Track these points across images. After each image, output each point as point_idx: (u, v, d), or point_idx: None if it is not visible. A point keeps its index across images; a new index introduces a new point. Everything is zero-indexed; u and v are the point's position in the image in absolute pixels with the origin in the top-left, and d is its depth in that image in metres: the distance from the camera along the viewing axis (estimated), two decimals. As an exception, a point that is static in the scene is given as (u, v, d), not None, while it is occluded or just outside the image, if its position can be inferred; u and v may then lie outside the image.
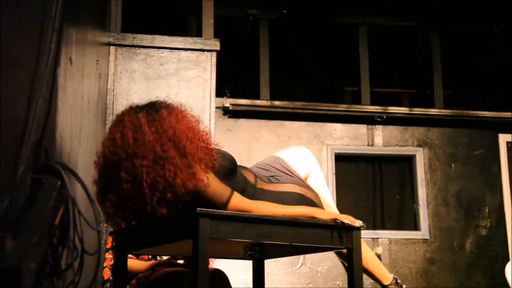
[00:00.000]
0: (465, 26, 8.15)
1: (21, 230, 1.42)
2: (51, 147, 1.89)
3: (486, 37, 8.11)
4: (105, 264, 3.36)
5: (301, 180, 2.72)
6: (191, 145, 2.25)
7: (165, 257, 3.31)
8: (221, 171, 2.39)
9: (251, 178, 2.54)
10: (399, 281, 2.85)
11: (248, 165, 2.74)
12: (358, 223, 2.46)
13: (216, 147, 2.43)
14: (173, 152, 2.21)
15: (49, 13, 1.82)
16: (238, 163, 2.66)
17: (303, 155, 2.86)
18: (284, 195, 2.54)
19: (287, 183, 2.62)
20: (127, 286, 3.18)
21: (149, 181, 2.18)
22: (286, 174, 2.70)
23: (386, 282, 2.82)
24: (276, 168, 2.72)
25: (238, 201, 2.36)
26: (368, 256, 2.78)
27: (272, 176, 2.65)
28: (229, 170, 2.44)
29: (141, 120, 2.25)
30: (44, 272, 1.58)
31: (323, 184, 2.86)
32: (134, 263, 3.27)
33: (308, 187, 2.69)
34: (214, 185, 2.31)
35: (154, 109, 2.32)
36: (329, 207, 2.75)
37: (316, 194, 2.69)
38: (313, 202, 2.62)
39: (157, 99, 2.41)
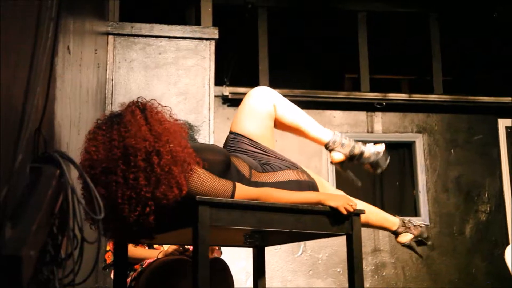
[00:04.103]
0: (463, 12, 8.11)
1: (20, 219, 1.42)
2: (50, 136, 1.89)
3: (485, 22, 8.08)
4: (108, 248, 3.38)
5: (282, 159, 2.67)
6: (167, 151, 2.14)
7: (165, 246, 3.32)
8: (216, 167, 2.35)
9: (245, 171, 2.49)
10: (405, 221, 2.93)
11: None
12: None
13: (205, 142, 2.38)
14: (143, 163, 2.10)
15: (46, 1, 1.81)
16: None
17: (254, 108, 2.67)
18: (282, 185, 2.52)
19: (280, 170, 2.60)
20: (129, 272, 3.19)
21: (125, 198, 2.10)
22: (265, 153, 2.66)
23: (394, 228, 2.91)
24: (250, 151, 2.64)
25: (244, 192, 2.33)
26: (371, 212, 2.82)
27: (264, 164, 2.62)
28: (225, 164, 2.42)
29: (113, 133, 2.12)
30: (44, 261, 1.58)
31: (293, 113, 2.72)
32: (136, 249, 3.29)
33: (300, 167, 2.67)
34: (213, 184, 2.26)
35: (123, 116, 2.17)
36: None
37: (307, 174, 2.67)
38: (310, 185, 2.62)
39: (133, 100, 2.24)
